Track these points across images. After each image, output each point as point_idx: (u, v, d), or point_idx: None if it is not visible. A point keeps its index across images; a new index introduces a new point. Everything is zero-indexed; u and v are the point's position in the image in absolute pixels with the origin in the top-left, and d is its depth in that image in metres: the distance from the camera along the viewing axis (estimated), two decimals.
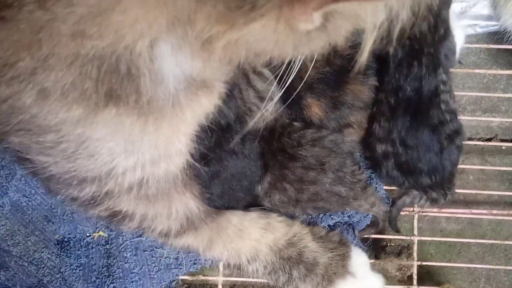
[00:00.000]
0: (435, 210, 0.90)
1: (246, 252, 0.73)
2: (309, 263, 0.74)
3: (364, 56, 0.46)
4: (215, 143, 0.72)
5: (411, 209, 0.89)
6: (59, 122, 0.47)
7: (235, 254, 0.72)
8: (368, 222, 0.85)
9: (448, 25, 0.80)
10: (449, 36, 0.80)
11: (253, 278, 0.75)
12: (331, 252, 0.76)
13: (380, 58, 0.82)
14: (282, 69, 0.52)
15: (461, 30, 0.85)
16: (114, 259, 0.85)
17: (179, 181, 0.61)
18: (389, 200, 0.86)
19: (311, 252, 0.75)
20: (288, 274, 0.74)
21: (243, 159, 0.77)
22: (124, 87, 0.44)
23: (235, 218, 0.73)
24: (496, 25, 0.93)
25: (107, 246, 0.85)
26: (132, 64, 0.43)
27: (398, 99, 0.80)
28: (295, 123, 0.81)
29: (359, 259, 0.78)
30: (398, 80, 0.80)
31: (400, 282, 0.92)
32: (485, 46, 0.92)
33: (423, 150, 0.79)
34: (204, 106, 0.53)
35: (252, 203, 0.80)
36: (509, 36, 0.91)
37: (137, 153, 0.52)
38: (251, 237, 0.73)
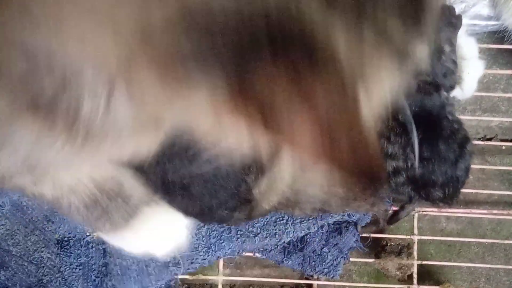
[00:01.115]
0: (435, 209, 0.90)
1: (68, 182, 0.72)
2: (125, 196, 0.76)
3: None
4: None
5: None
6: None
7: (59, 185, 0.72)
8: (368, 220, 0.85)
9: (440, 46, 0.80)
10: (441, 57, 0.80)
11: (68, 214, 0.75)
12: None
13: None
14: None
15: (479, 61, 0.85)
16: (111, 257, 0.85)
17: None
18: (389, 200, 0.86)
19: (129, 186, 0.77)
20: (105, 205, 0.75)
21: None
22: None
23: None
24: (496, 25, 0.93)
25: (106, 245, 0.85)
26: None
27: (406, 115, 0.80)
28: None
29: None
30: (397, 100, 0.80)
31: (400, 281, 0.92)
32: (485, 46, 0.92)
33: (438, 162, 0.79)
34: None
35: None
36: (510, 36, 0.91)
37: None
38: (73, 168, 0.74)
